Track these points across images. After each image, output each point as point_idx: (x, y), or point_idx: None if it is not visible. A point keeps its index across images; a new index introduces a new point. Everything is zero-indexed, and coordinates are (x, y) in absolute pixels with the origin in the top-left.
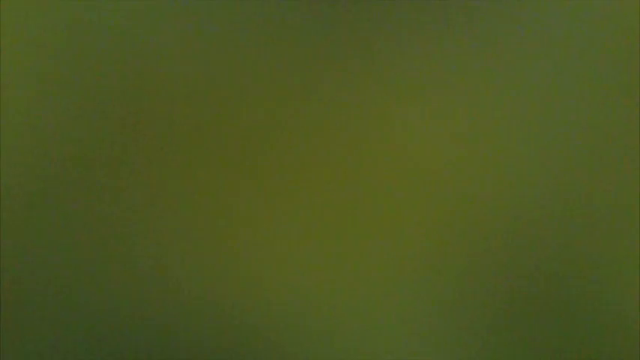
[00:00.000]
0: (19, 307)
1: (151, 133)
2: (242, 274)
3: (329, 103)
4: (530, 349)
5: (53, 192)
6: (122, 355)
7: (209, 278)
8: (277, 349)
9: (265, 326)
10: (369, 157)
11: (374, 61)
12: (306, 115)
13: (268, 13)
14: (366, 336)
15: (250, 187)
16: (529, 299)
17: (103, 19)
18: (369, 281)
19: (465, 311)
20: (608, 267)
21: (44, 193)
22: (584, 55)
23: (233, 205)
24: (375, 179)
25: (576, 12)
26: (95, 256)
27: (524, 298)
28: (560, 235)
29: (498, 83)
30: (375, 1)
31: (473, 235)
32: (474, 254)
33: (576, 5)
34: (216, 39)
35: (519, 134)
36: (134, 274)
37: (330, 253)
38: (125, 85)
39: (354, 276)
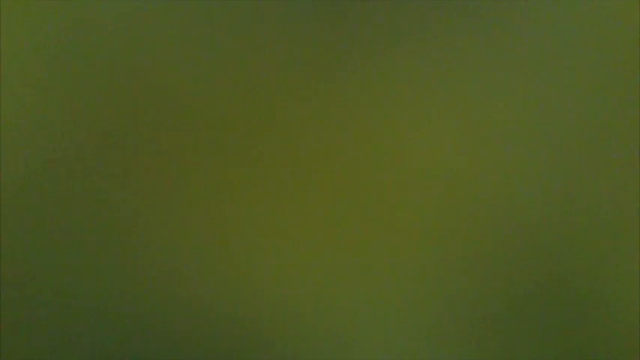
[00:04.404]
0: (19, 307)
1: (151, 133)
2: (242, 274)
3: (329, 104)
4: (530, 348)
5: (53, 191)
6: (122, 355)
7: (209, 278)
8: (277, 349)
9: (265, 326)
10: (369, 157)
11: (374, 62)
12: (306, 115)
13: (268, 13)
14: (367, 336)
15: (251, 188)
16: (529, 299)
17: (103, 19)
18: (369, 281)
19: (465, 311)
20: (608, 267)
21: (44, 192)
22: (584, 55)
23: (233, 205)
24: (375, 179)
25: (576, 12)
26: (95, 256)
27: (525, 298)
28: (560, 235)
29: (498, 83)
30: (375, 1)
31: (473, 235)
32: (474, 254)
33: (576, 5)
34: (216, 39)
35: (519, 134)
36: (134, 274)
37: (330, 254)
38: (125, 84)
39: (354, 276)
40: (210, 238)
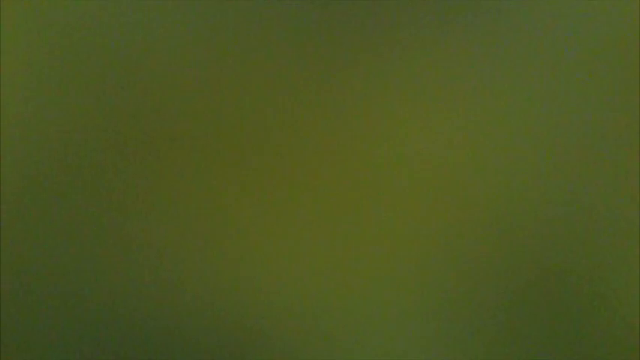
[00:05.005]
0: (19, 306)
1: (151, 134)
2: (242, 274)
3: (329, 104)
4: (530, 348)
5: (53, 192)
6: (122, 355)
7: (209, 278)
8: (277, 349)
9: (265, 326)
10: (368, 157)
11: (373, 61)
12: (305, 115)
13: (268, 13)
14: (366, 336)
15: (250, 188)
16: (529, 299)
17: (103, 19)
18: (369, 281)
19: (465, 311)
20: (608, 267)
21: (44, 193)
22: (585, 55)
23: (233, 205)
24: (374, 179)
25: (576, 12)
26: (95, 256)
27: (524, 298)
28: (560, 235)
29: (498, 83)
30: (375, 1)
31: (473, 235)
32: (473, 254)
33: (576, 5)
34: (216, 39)
35: (519, 134)
36: (134, 275)
37: (330, 254)
38: (125, 85)
39: (354, 276)
40: (210, 239)
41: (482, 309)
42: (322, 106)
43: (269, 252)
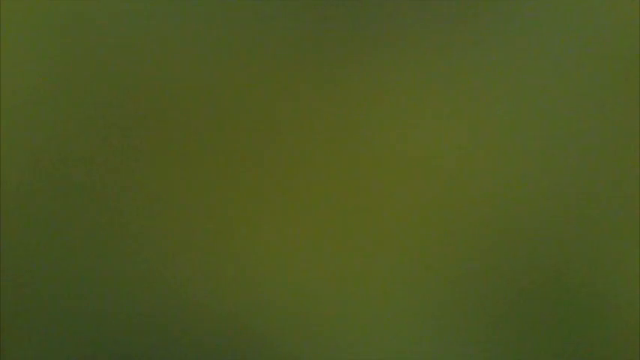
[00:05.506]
0: (19, 307)
1: (151, 134)
2: (242, 274)
3: (329, 104)
4: (530, 349)
5: (53, 192)
6: (122, 355)
7: (209, 278)
8: (277, 349)
9: (265, 327)
10: (368, 157)
11: (373, 61)
12: (305, 115)
13: (268, 13)
14: (366, 336)
15: (250, 188)
16: (529, 299)
17: (103, 19)
18: (369, 281)
19: (465, 311)
20: (608, 267)
21: (44, 193)
22: (584, 56)
23: (233, 205)
24: (374, 179)
25: (576, 12)
26: (96, 257)
27: (524, 299)
28: (560, 235)
29: (498, 83)
30: (375, 1)
31: (473, 235)
32: (473, 254)
33: (576, 5)
34: (215, 39)
35: (519, 134)
36: (134, 275)
37: (330, 254)
38: (125, 85)
39: (354, 276)
40: (210, 238)
41: (482, 309)
42: (323, 107)
43: (270, 252)
